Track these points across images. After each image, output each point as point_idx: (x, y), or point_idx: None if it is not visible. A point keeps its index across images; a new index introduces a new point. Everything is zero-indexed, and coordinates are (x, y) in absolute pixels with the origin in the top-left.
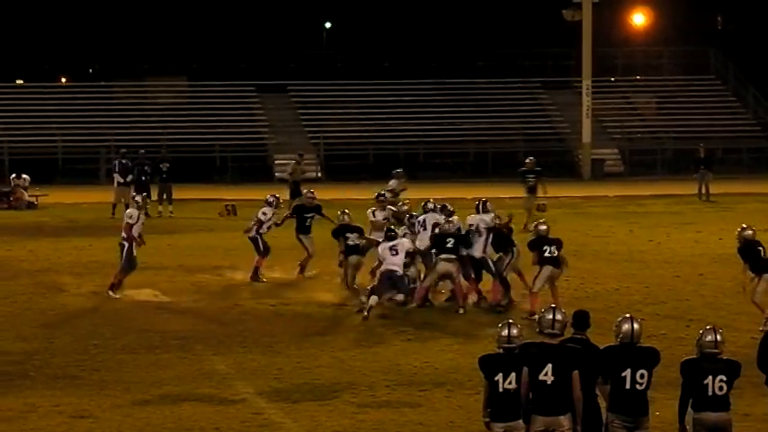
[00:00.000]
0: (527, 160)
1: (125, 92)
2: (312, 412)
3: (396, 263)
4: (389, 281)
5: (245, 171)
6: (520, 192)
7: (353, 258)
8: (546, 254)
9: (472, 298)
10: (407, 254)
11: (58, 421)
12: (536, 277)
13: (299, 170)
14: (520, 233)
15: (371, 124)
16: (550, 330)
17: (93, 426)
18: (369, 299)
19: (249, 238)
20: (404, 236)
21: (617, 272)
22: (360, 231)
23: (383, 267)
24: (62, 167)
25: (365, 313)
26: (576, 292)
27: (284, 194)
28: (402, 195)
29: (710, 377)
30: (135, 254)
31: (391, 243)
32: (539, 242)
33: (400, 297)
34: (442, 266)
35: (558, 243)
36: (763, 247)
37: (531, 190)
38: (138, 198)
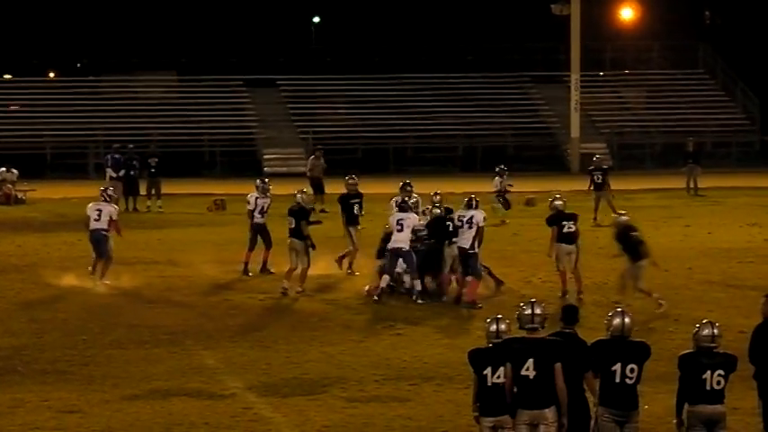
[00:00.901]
0: (594, 158)
1: (114, 86)
2: (301, 407)
3: (401, 239)
4: (396, 257)
5: (234, 165)
6: (512, 186)
7: (290, 242)
8: (564, 230)
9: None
10: (414, 231)
11: (46, 416)
12: (556, 258)
13: (319, 165)
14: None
15: (360, 119)
16: (530, 325)
17: (82, 421)
18: (380, 279)
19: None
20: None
21: (606, 266)
22: (299, 216)
23: (390, 245)
24: (51, 162)
25: (375, 297)
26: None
27: (279, 188)
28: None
29: (709, 372)
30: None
31: (399, 216)
32: (557, 217)
33: (407, 279)
34: (452, 250)
35: (575, 218)
36: (638, 232)
37: (599, 187)
38: (110, 191)
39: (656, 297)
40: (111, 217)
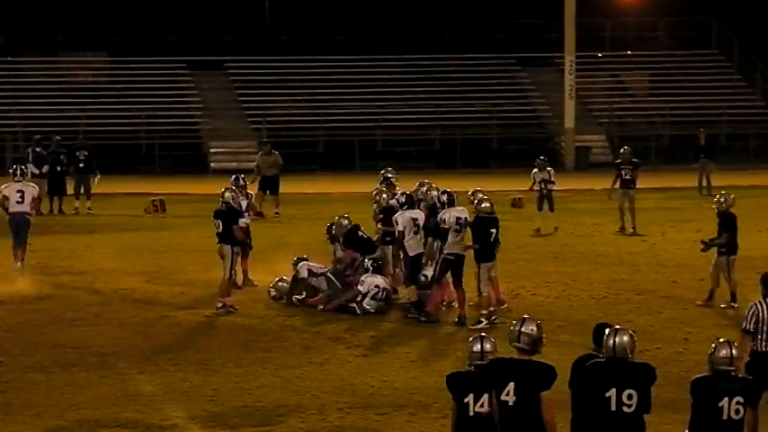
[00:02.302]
0: (621, 150)
1: (35, 69)
2: None
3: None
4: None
5: (176, 161)
6: (497, 184)
7: (219, 247)
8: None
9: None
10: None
11: None
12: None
13: (271, 162)
14: (624, 236)
15: (322, 107)
16: (517, 344)
17: None
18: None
19: None
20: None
21: (605, 277)
22: (227, 219)
23: (411, 252)
24: None
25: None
26: (559, 300)
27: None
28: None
29: (726, 399)
30: None
31: (414, 214)
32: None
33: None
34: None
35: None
36: (498, 229)
37: (627, 183)
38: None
39: (489, 312)
40: (33, 198)
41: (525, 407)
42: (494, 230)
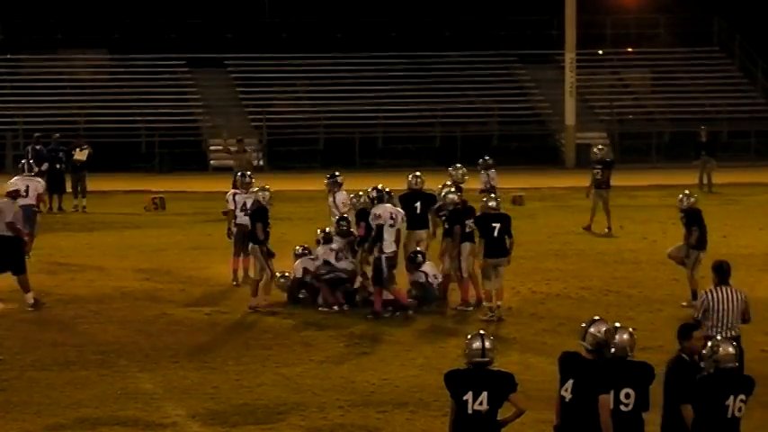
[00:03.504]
0: (595, 149)
1: (35, 66)
2: None
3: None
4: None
5: (176, 158)
6: (504, 182)
7: (251, 248)
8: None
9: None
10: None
11: None
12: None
13: (244, 159)
14: (603, 236)
15: (322, 104)
16: (582, 342)
17: None
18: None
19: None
20: None
21: (605, 274)
22: (256, 218)
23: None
24: None
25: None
26: (559, 298)
27: (227, 185)
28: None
29: (732, 397)
30: None
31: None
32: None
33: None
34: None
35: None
36: (503, 224)
37: (600, 184)
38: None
39: (490, 306)
40: (38, 191)
41: (581, 405)
42: (496, 225)
